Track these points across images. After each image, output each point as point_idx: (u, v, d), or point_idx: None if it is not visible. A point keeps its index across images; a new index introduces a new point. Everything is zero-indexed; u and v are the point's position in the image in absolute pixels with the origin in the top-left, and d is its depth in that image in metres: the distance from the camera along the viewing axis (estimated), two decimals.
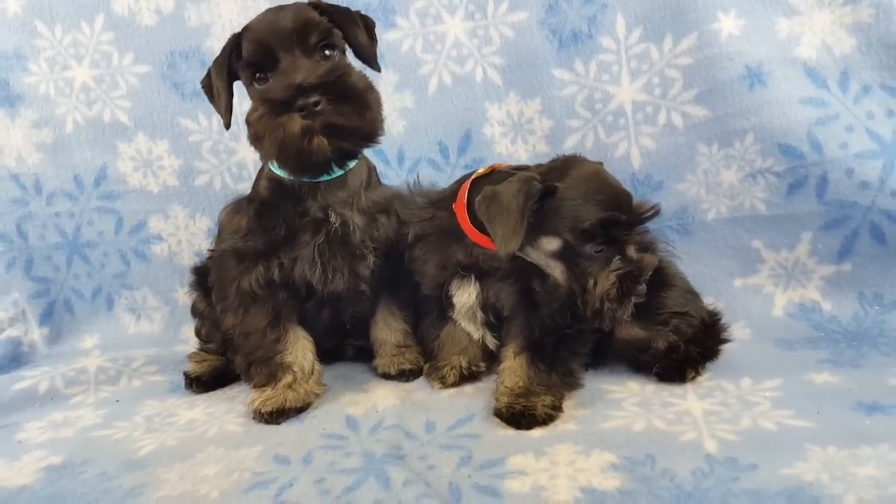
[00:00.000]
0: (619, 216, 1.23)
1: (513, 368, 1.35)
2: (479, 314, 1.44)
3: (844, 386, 1.33)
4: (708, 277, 1.81)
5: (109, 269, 2.12)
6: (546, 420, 1.26)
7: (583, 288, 1.23)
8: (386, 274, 1.55)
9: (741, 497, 0.97)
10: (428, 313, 1.59)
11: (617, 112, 1.88)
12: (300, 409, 1.43)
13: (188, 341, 2.00)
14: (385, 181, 1.66)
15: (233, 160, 2.07)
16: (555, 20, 1.88)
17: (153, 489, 1.16)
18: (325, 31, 1.33)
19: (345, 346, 1.79)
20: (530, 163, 1.64)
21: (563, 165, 1.30)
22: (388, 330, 1.64)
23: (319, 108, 1.24)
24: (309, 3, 1.38)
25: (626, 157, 1.88)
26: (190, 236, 2.10)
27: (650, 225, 1.34)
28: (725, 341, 1.50)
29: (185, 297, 2.03)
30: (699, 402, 1.31)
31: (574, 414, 1.30)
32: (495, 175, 1.38)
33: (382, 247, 1.50)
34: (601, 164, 1.35)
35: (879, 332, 1.61)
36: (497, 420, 1.30)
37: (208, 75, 1.48)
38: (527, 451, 1.16)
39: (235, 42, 1.39)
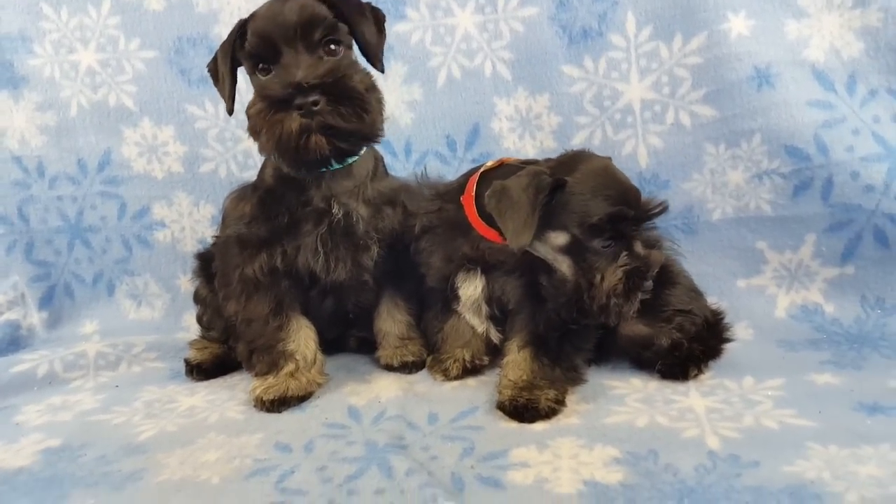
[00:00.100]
0: (628, 211, 1.23)
1: (517, 362, 1.35)
2: (484, 307, 1.44)
3: (846, 387, 1.34)
4: (711, 277, 1.82)
5: (111, 255, 2.11)
6: (549, 414, 1.26)
7: (590, 283, 1.23)
8: (390, 265, 1.54)
9: (743, 493, 0.98)
10: (432, 306, 1.59)
11: (625, 110, 1.88)
12: (302, 398, 1.43)
13: (189, 329, 1.99)
14: (392, 173, 1.65)
15: (238, 148, 2.07)
16: (565, 16, 1.88)
17: (153, 473, 1.16)
18: (329, 26, 1.31)
19: (347, 337, 1.78)
20: (537, 158, 1.63)
21: (572, 160, 1.30)
22: (391, 321, 1.64)
23: (318, 107, 1.23)
24: None
25: (633, 155, 1.88)
26: (193, 223, 2.09)
27: (655, 223, 1.34)
28: (728, 340, 1.51)
29: (186, 284, 2.02)
30: (702, 400, 1.31)
31: (577, 409, 1.31)
32: (504, 169, 1.38)
33: (387, 238, 1.49)
34: (610, 159, 1.35)
35: (881, 335, 1.62)
36: (500, 413, 1.30)
37: (214, 59, 1.47)
38: (529, 444, 1.17)
39: (241, 30, 1.38)
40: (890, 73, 1.74)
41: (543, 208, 1.21)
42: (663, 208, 1.28)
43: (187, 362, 1.69)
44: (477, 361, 1.55)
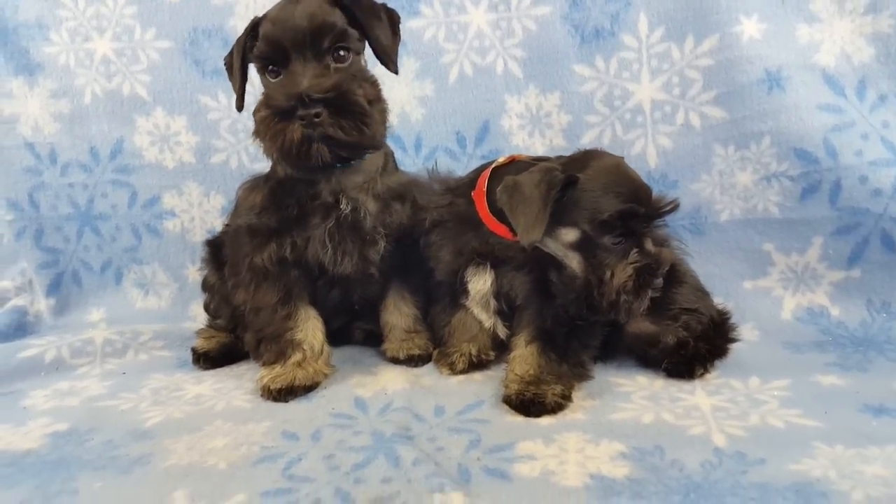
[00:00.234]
0: (639, 209, 1.23)
1: (524, 356, 1.36)
2: (493, 302, 1.45)
3: (851, 388, 1.35)
4: (718, 278, 1.82)
5: (120, 243, 2.12)
6: (555, 408, 1.27)
7: (599, 279, 1.24)
8: (398, 259, 1.55)
9: (750, 489, 0.98)
10: (439, 299, 1.60)
11: (635, 110, 1.89)
12: (309, 388, 1.43)
13: (196, 318, 2.00)
14: (401, 168, 1.66)
15: (250, 140, 2.05)
16: (578, 16, 1.89)
17: (160, 459, 1.16)
18: (339, 33, 1.32)
19: (353, 329, 1.79)
20: (548, 156, 1.64)
21: (584, 157, 1.31)
22: (398, 314, 1.64)
23: (320, 119, 1.25)
24: None
25: (643, 154, 1.89)
26: (203, 214, 2.10)
27: (664, 222, 1.35)
28: (734, 340, 1.51)
29: (194, 274, 2.03)
30: (707, 398, 1.31)
31: (583, 404, 1.31)
32: (515, 165, 1.38)
33: (395, 233, 1.50)
34: (622, 157, 1.35)
35: (886, 338, 1.62)
36: (506, 407, 1.31)
37: (230, 54, 1.48)
38: (536, 438, 1.17)
39: (253, 29, 1.39)
40: None
41: (554, 204, 1.22)
42: (675, 206, 1.28)
43: (194, 351, 1.70)
44: (483, 356, 1.55)
